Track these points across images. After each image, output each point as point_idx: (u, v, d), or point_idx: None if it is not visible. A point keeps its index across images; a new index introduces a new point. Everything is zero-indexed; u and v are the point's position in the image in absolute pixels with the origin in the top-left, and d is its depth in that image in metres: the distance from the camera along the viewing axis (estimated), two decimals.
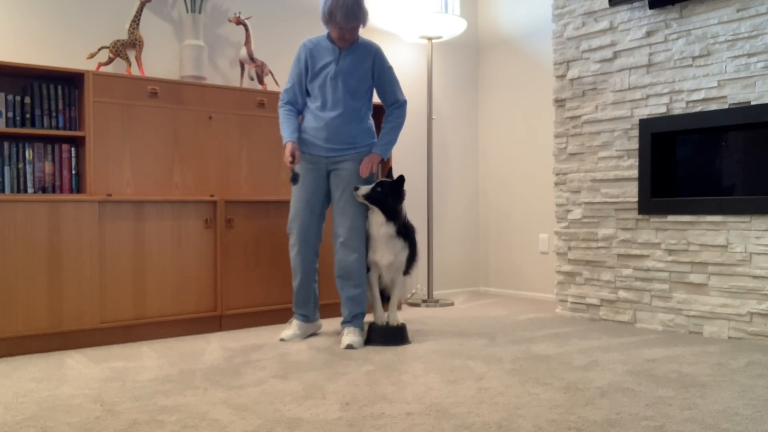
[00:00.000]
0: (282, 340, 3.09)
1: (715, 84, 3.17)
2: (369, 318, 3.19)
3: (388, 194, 3.00)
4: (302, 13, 4.12)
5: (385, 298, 3.17)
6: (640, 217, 3.46)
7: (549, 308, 4.08)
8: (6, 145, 3.02)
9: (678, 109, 3.31)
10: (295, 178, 3.00)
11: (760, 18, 3.02)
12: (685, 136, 3.38)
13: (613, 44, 3.57)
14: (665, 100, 3.36)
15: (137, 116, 3.27)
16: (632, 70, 3.49)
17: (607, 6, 3.56)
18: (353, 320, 3.05)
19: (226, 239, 3.38)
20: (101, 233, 3.02)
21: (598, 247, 3.64)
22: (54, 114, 3.13)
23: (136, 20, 3.34)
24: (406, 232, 3.07)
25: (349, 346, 2.91)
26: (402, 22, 4.22)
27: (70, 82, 3.21)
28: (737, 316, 3.08)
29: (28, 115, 3.08)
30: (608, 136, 3.61)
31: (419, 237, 3.22)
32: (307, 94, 3.12)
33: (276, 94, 3.68)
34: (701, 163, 3.34)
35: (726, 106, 3.13)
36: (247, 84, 3.81)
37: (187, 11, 3.54)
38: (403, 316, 3.79)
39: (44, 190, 3.11)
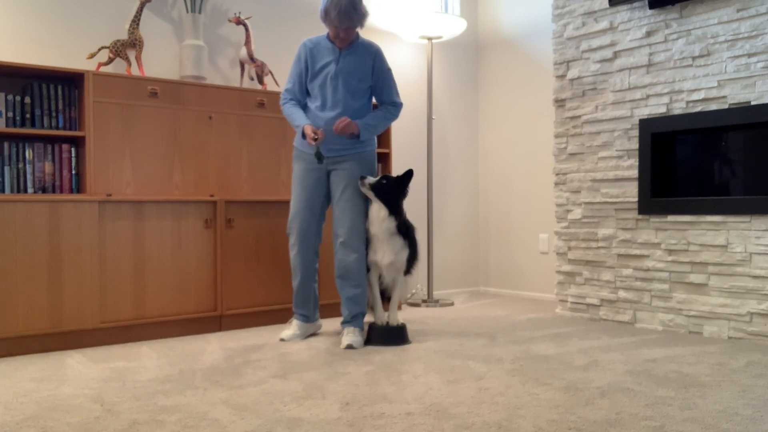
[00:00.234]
0: (282, 340, 3.09)
1: (715, 84, 3.17)
2: (369, 318, 3.19)
3: (394, 187, 3.00)
4: (302, 13, 4.12)
5: (385, 299, 3.17)
6: (640, 217, 3.46)
7: (549, 308, 4.08)
8: (6, 145, 3.02)
9: (678, 109, 3.31)
10: (320, 157, 2.95)
11: (760, 18, 3.02)
12: (685, 136, 3.38)
13: (613, 44, 3.57)
14: (665, 100, 3.36)
15: (137, 116, 3.27)
16: (632, 70, 3.49)
17: (607, 6, 3.56)
18: (353, 320, 3.05)
19: (226, 239, 3.38)
20: (101, 233, 3.02)
21: (598, 247, 3.64)
22: (54, 114, 3.13)
23: (136, 20, 3.34)
24: (406, 230, 3.06)
25: (349, 346, 2.91)
26: (402, 22, 4.22)
27: (70, 82, 3.21)
28: (737, 316, 3.08)
29: (28, 115, 3.08)
30: (608, 136, 3.61)
31: (419, 237, 3.22)
32: (307, 94, 3.12)
33: (276, 94, 3.68)
34: (701, 163, 3.34)
35: (726, 106, 3.13)
36: (247, 84, 3.81)
37: (187, 11, 3.54)
38: (403, 316, 3.79)
39: (44, 190, 3.11)
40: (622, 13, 3.52)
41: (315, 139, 2.91)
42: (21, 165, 3.05)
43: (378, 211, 3.01)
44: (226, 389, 2.24)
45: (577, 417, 1.91)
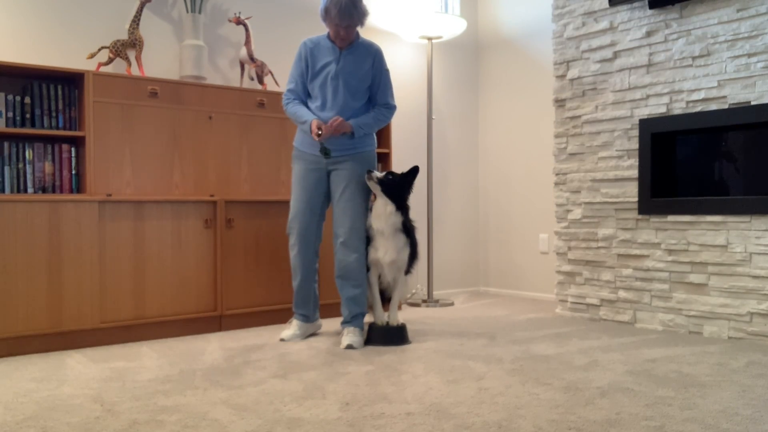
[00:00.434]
0: (282, 340, 3.09)
1: (715, 84, 3.17)
2: (369, 318, 3.19)
3: (400, 183, 3.01)
4: (302, 13, 4.12)
5: (385, 299, 3.16)
6: (640, 217, 3.46)
7: (549, 308, 4.08)
8: (6, 145, 3.02)
9: (678, 109, 3.31)
10: (326, 152, 2.95)
11: (760, 18, 3.02)
12: (685, 136, 3.38)
13: (613, 44, 3.57)
14: (665, 100, 3.36)
15: (137, 116, 3.27)
16: (632, 70, 3.49)
17: (607, 6, 3.56)
18: (353, 320, 3.05)
19: (226, 239, 3.38)
20: (101, 233, 3.02)
21: (598, 247, 3.64)
22: (54, 114, 3.13)
23: (136, 20, 3.33)
24: (409, 229, 3.06)
25: (349, 346, 2.91)
26: (402, 22, 4.22)
27: (70, 82, 3.21)
28: (737, 316, 3.08)
29: (28, 115, 3.08)
30: (608, 136, 3.61)
31: (419, 237, 3.22)
32: (307, 94, 3.12)
33: (276, 94, 3.68)
34: (701, 163, 3.34)
35: (726, 106, 3.13)
36: (247, 84, 3.80)
37: (187, 11, 3.54)
38: (403, 316, 3.79)
39: (44, 190, 3.11)
40: (622, 13, 3.52)
41: (319, 135, 2.90)
42: (21, 165, 3.05)
43: (384, 206, 3.00)
44: (226, 389, 2.24)
45: (577, 417, 1.91)
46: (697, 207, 3.21)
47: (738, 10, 3.08)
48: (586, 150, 3.71)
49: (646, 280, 3.43)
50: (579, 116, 3.75)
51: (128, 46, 3.33)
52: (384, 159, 4.11)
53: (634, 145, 3.48)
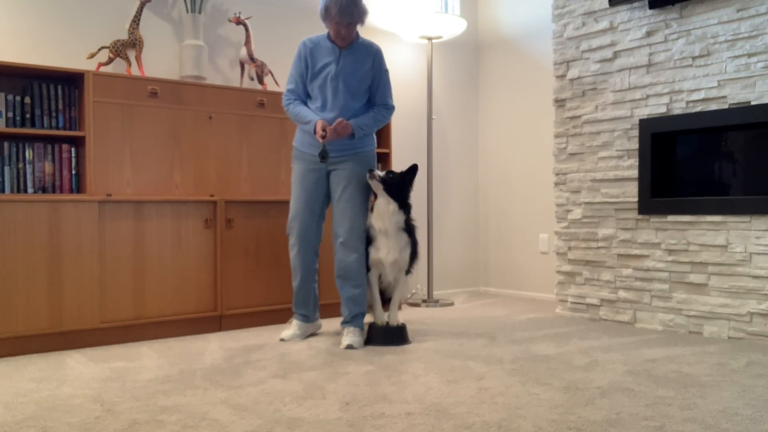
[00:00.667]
0: (282, 340, 3.09)
1: (715, 84, 3.17)
2: (369, 318, 3.19)
3: (401, 182, 3.01)
4: (302, 13, 4.12)
5: (385, 299, 3.16)
6: (640, 217, 3.46)
7: (549, 308, 4.08)
8: (6, 145, 3.02)
9: (678, 109, 3.31)
10: (324, 155, 2.94)
11: (760, 18, 3.02)
12: (685, 136, 3.38)
13: (613, 44, 3.57)
14: (665, 100, 3.36)
15: (137, 116, 3.27)
16: (632, 70, 3.49)
17: (607, 6, 3.56)
18: (353, 320, 3.05)
19: (226, 239, 3.38)
20: (101, 233, 3.02)
21: (598, 247, 3.64)
22: (54, 114, 3.13)
23: (136, 20, 3.33)
24: (410, 229, 3.06)
25: (349, 346, 2.91)
26: (402, 22, 4.22)
27: (70, 82, 3.21)
28: (737, 316, 3.08)
29: (28, 115, 3.07)
30: (608, 136, 3.61)
31: (419, 237, 3.22)
32: (308, 94, 3.12)
33: (276, 94, 3.68)
34: (701, 163, 3.34)
35: (726, 106, 3.13)
36: (247, 84, 3.80)
37: (187, 11, 3.54)
38: (403, 316, 3.79)
39: (44, 190, 3.11)
40: (622, 13, 3.52)
41: (323, 137, 2.90)
42: (21, 165, 3.05)
43: (387, 205, 3.00)
44: (226, 389, 2.24)
45: (577, 417, 1.91)
46: (697, 207, 3.21)
47: (738, 10, 3.08)
48: (586, 150, 3.71)
49: (646, 280, 3.43)
50: (579, 116, 3.75)
51: (128, 46, 3.33)
52: (384, 159, 4.11)
53: (634, 145, 3.48)
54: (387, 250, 3.00)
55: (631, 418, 1.90)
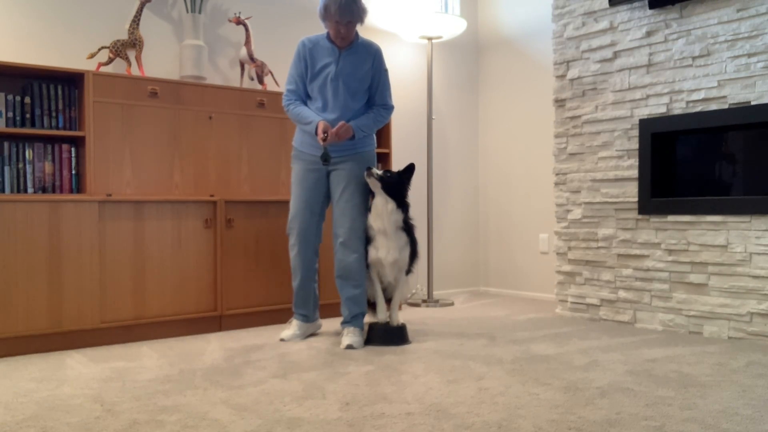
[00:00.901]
0: (282, 340, 3.09)
1: (715, 84, 3.17)
2: (369, 318, 3.19)
3: (398, 181, 3.00)
4: (302, 13, 4.12)
5: (386, 300, 3.15)
6: (640, 217, 3.46)
7: (549, 308, 4.08)
8: (6, 145, 3.02)
9: (678, 109, 3.31)
10: (326, 158, 2.93)
11: (760, 18, 3.02)
12: (685, 136, 3.38)
13: (613, 44, 3.57)
14: (665, 100, 3.36)
15: (137, 116, 3.27)
16: (632, 70, 3.49)
17: (607, 6, 3.56)
18: (353, 320, 3.05)
19: (226, 239, 3.38)
20: (101, 233, 3.02)
21: (598, 247, 3.64)
22: (54, 114, 3.13)
23: (136, 20, 3.33)
24: (409, 227, 3.06)
25: (349, 347, 2.91)
26: (402, 22, 4.22)
27: (70, 82, 3.21)
28: (737, 316, 3.08)
29: (28, 115, 3.08)
30: (608, 136, 3.61)
31: (419, 237, 3.22)
32: (308, 94, 3.11)
33: (276, 94, 3.68)
34: (701, 163, 3.34)
35: (726, 106, 3.13)
36: (247, 84, 3.81)
37: (187, 11, 3.54)
38: (403, 316, 3.79)
39: (44, 190, 3.11)
40: (622, 13, 3.52)
41: (324, 140, 2.89)
42: (21, 165, 3.05)
43: (385, 204, 2.99)
44: (226, 389, 2.24)
45: (577, 417, 1.91)
46: (697, 207, 3.21)
47: (738, 10, 3.08)
48: (586, 150, 3.71)
49: (646, 280, 3.43)
50: (579, 116, 3.75)
51: (128, 46, 3.33)
52: (384, 159, 4.11)
53: (634, 145, 3.48)
54: (386, 250, 3.00)
55: (631, 418, 1.90)
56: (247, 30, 3.68)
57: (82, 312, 2.95)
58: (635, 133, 3.48)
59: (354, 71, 3.01)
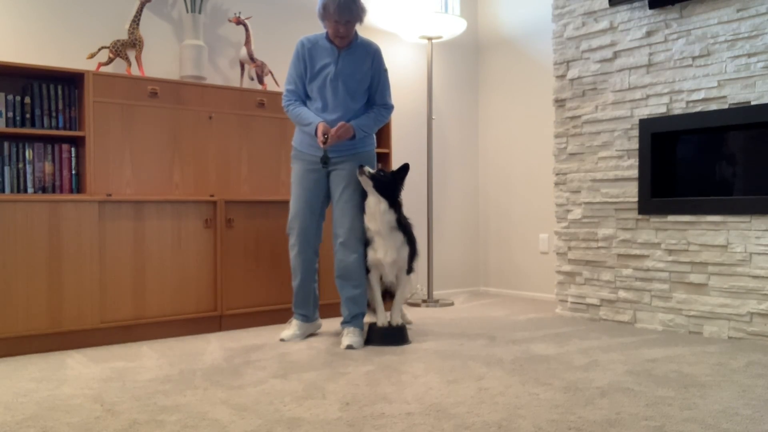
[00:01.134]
0: (282, 340, 3.09)
1: (715, 84, 3.17)
2: (369, 318, 3.19)
3: (391, 180, 3.00)
4: (302, 13, 4.12)
5: (387, 300, 3.15)
6: (640, 217, 3.46)
7: (549, 308, 4.08)
8: (6, 145, 3.02)
9: (678, 109, 3.31)
10: (326, 161, 2.94)
11: (760, 18, 3.02)
12: (685, 136, 3.38)
13: (613, 44, 3.57)
14: (665, 100, 3.36)
15: (137, 116, 3.27)
16: (632, 70, 3.49)
17: (607, 6, 3.56)
18: (353, 320, 3.05)
19: (226, 239, 3.38)
20: (101, 233, 3.02)
21: (598, 247, 3.64)
22: (54, 114, 3.13)
23: (136, 20, 3.33)
24: (405, 226, 3.05)
25: (349, 347, 2.91)
26: (402, 22, 4.21)
27: (70, 82, 3.21)
28: (737, 316, 3.08)
29: (28, 115, 3.07)
30: (608, 136, 3.61)
31: (419, 237, 3.22)
32: (307, 94, 3.11)
33: (276, 94, 3.68)
34: (701, 163, 3.34)
35: (726, 106, 3.13)
36: (247, 84, 3.81)
37: (187, 11, 3.54)
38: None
39: (44, 190, 3.11)
40: (622, 13, 3.52)
41: (324, 142, 2.89)
42: (21, 165, 3.05)
43: (377, 204, 2.98)
44: (226, 389, 2.24)
45: (577, 417, 1.91)
46: (697, 207, 3.21)
47: (738, 10, 3.08)
48: (586, 150, 3.71)
49: (646, 280, 3.43)
50: (579, 116, 3.75)
51: (128, 46, 3.33)
52: (384, 159, 4.11)
53: (634, 145, 3.48)
54: (384, 251, 2.99)
55: (631, 418, 1.90)
56: (247, 30, 3.68)
57: (82, 312, 2.95)
58: (635, 133, 3.48)
59: (353, 71, 3.01)
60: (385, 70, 3.11)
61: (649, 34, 3.41)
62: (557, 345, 2.94)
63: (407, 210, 3.46)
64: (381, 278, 3.10)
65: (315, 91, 3.04)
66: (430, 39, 4.33)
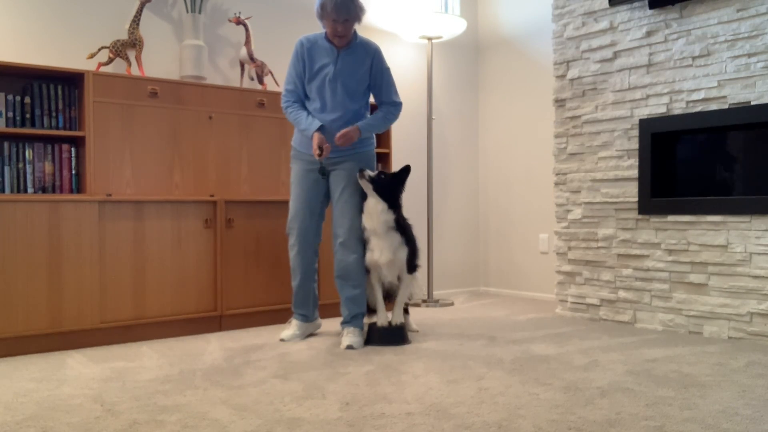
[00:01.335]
0: (282, 340, 3.09)
1: (715, 84, 3.17)
2: (368, 318, 3.18)
3: (392, 182, 3.00)
4: (302, 13, 4.12)
5: (389, 299, 3.15)
6: (640, 217, 3.46)
7: (549, 308, 4.08)
8: (6, 145, 3.02)
9: (678, 109, 3.31)
10: (323, 171, 2.95)
11: (760, 18, 3.02)
12: (685, 136, 3.38)
13: (613, 44, 3.57)
14: (665, 100, 3.36)
15: (137, 116, 3.27)
16: (632, 70, 3.49)
17: (607, 6, 3.57)
18: (353, 320, 3.05)
19: (226, 239, 3.38)
20: (101, 233, 3.02)
21: (598, 247, 3.64)
22: (54, 114, 3.13)
23: (136, 20, 3.34)
24: (404, 227, 3.04)
25: (349, 347, 2.91)
26: (402, 22, 4.21)
27: (70, 82, 3.21)
28: (737, 316, 3.08)
29: (28, 115, 3.08)
30: (608, 136, 3.61)
31: (419, 237, 3.21)
32: (306, 94, 3.11)
33: (276, 94, 3.68)
34: (701, 163, 3.34)
35: (726, 106, 3.13)
36: (247, 84, 3.81)
37: (187, 11, 3.54)
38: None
39: (44, 190, 3.11)
40: (622, 13, 3.52)
41: (320, 155, 2.89)
42: (21, 165, 3.05)
43: (375, 204, 2.97)
44: (226, 389, 2.24)
45: (577, 417, 1.91)
46: (697, 207, 3.21)
47: (738, 10, 3.08)
48: (586, 150, 3.72)
49: (646, 280, 3.43)
50: (579, 116, 3.75)
51: (128, 46, 3.33)
52: (384, 159, 4.11)
53: (634, 145, 3.48)
54: (380, 251, 2.99)
55: (631, 418, 1.90)
56: (247, 30, 3.68)
57: (82, 312, 2.95)
58: (635, 133, 3.48)
59: (352, 71, 3.01)
60: (388, 69, 3.10)
61: (649, 34, 3.41)
62: (557, 345, 2.94)
63: (407, 210, 3.46)
64: (381, 280, 3.09)
65: (314, 91, 3.04)
66: (430, 39, 4.33)
